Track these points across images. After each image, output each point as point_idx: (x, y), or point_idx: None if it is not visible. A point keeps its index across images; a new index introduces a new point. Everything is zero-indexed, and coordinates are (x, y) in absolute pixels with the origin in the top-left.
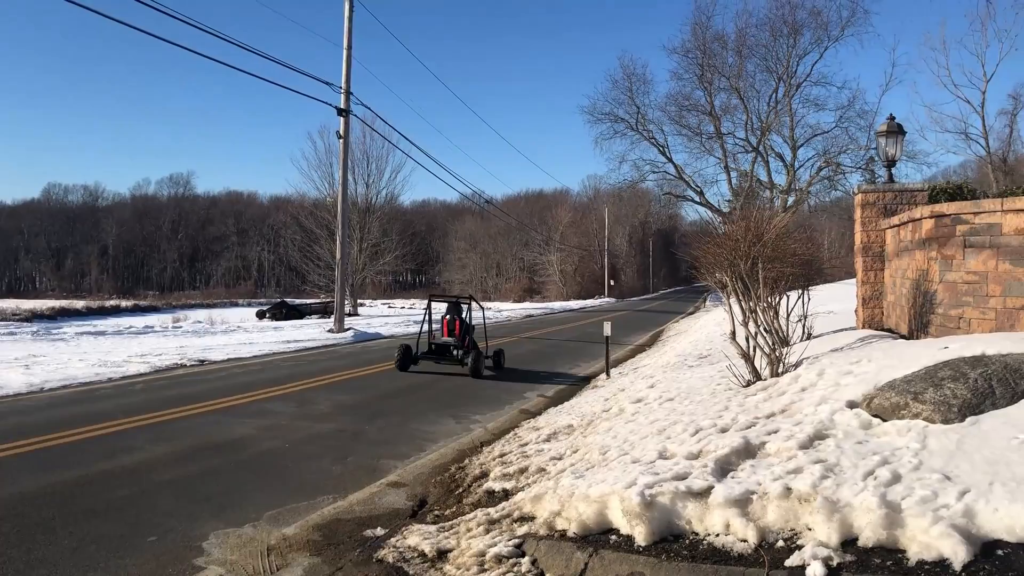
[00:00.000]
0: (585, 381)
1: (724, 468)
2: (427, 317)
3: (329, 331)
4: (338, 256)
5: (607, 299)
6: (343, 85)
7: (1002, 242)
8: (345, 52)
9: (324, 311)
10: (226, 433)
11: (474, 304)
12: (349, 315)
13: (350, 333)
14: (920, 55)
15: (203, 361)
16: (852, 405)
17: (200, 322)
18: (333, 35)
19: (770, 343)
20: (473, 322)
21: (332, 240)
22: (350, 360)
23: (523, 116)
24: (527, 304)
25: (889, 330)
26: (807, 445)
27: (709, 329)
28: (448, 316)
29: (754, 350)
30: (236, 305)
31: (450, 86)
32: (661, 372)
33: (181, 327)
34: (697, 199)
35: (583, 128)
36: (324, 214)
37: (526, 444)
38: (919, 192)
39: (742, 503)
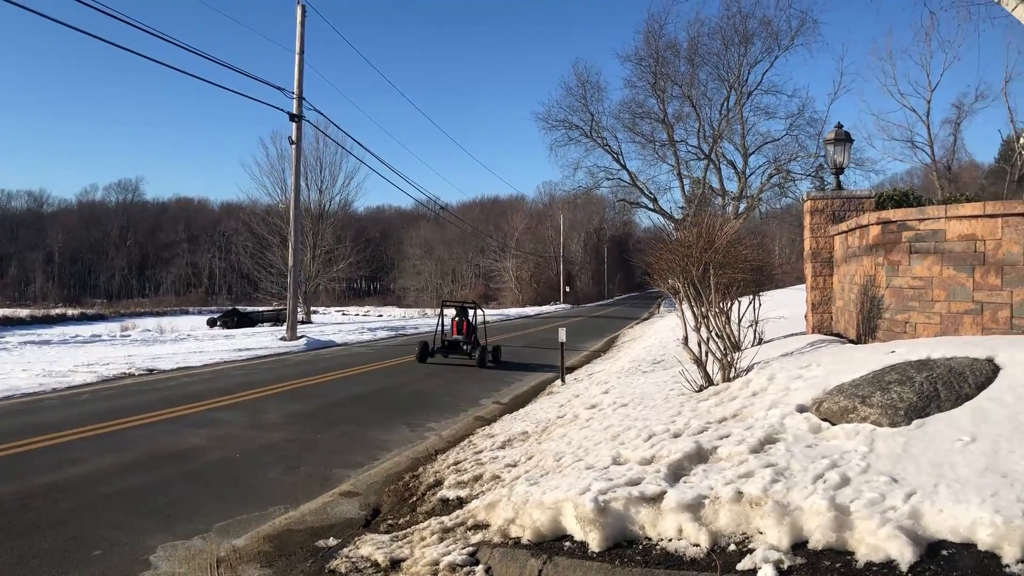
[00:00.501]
0: (541, 387)
1: (677, 473)
2: (440, 319)
3: (282, 339)
4: (290, 263)
5: (563, 305)
6: (295, 90)
7: (946, 248)
8: (297, 57)
9: (276, 319)
10: (175, 443)
11: (478, 310)
12: (302, 323)
13: (303, 341)
14: (867, 64)
15: (152, 370)
16: (802, 409)
17: (149, 331)
18: (287, 40)
19: (722, 348)
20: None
21: (285, 247)
22: (303, 368)
23: (479, 123)
24: (486, 311)
25: (838, 335)
26: (758, 449)
27: (663, 335)
28: (457, 318)
29: (706, 355)
30: (187, 313)
31: (406, 95)
32: (615, 378)
33: (130, 336)
34: (651, 206)
35: (538, 135)
36: (276, 220)
37: (481, 451)
38: (866, 199)
39: (694, 508)
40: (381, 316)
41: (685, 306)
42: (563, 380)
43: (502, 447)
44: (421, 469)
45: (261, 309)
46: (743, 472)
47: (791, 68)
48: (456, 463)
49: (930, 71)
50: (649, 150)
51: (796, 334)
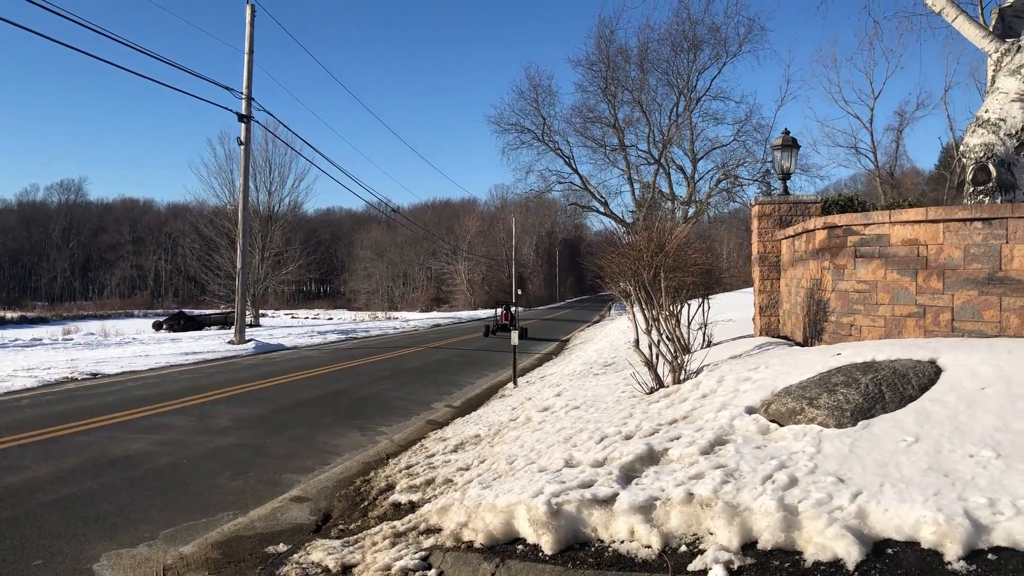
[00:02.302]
0: (493, 390)
1: (629, 475)
2: (495, 312)
3: (230, 343)
4: (239, 265)
5: (515, 308)
6: (244, 91)
7: (890, 252)
8: (247, 57)
9: (224, 322)
10: (120, 449)
11: (515, 307)
12: (250, 326)
13: (251, 345)
14: (813, 72)
15: (96, 375)
16: (751, 411)
17: (93, 334)
18: (236, 40)
19: (672, 351)
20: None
21: (232, 249)
22: (251, 373)
23: (432, 126)
24: (434, 313)
25: (785, 337)
26: (708, 451)
27: (613, 337)
28: (503, 310)
29: (657, 358)
30: (131, 316)
31: (357, 97)
32: (568, 380)
33: (72, 339)
34: (602, 210)
35: (490, 138)
36: (224, 222)
37: (433, 455)
38: (812, 204)
39: (646, 509)
40: (331, 319)
41: (636, 309)
42: (515, 383)
43: (454, 451)
44: (372, 473)
45: (208, 312)
46: (694, 473)
47: (739, 75)
48: (408, 467)
49: (873, 79)
50: (600, 154)
51: (744, 336)
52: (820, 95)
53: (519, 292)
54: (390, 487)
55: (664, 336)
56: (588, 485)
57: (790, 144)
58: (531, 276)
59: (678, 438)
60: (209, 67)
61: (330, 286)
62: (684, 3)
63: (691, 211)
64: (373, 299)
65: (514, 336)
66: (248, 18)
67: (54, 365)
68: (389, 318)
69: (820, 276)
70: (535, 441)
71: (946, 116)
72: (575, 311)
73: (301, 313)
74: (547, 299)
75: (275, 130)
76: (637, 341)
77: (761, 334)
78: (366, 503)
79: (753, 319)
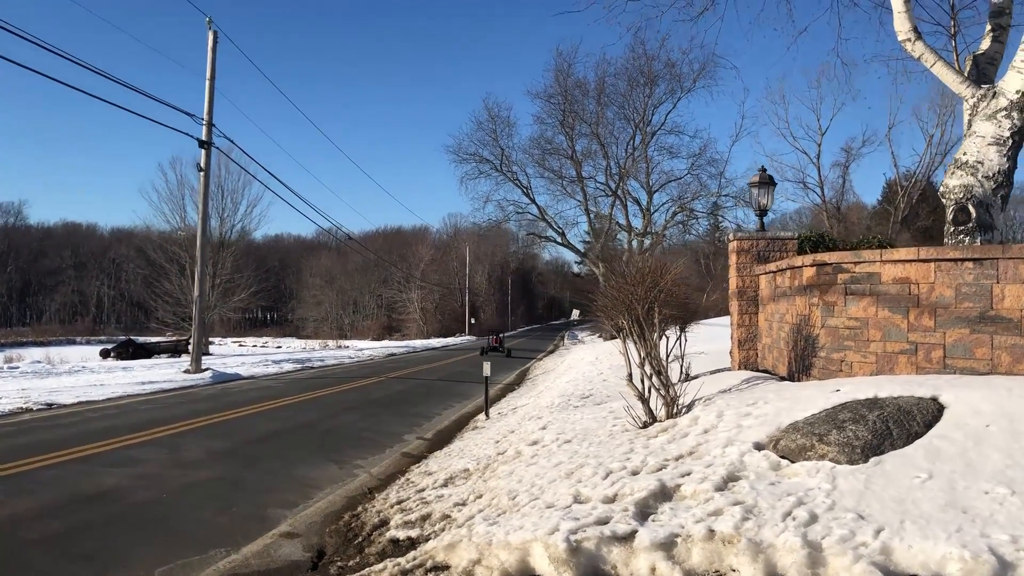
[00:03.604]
0: (463, 422)
1: (644, 511)
2: (487, 338)
3: (185, 372)
4: (196, 293)
5: (468, 337)
6: (205, 116)
7: (881, 290)
8: (208, 83)
9: (175, 350)
10: (94, 484)
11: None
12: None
13: (208, 374)
14: (762, 108)
15: (51, 405)
16: (759, 447)
17: (39, 361)
18: (191, 62)
19: (665, 385)
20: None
21: (182, 275)
22: (213, 403)
23: (383, 156)
24: (387, 342)
25: (766, 371)
26: (722, 487)
27: (582, 368)
28: (495, 336)
29: (649, 391)
30: (74, 343)
31: (308, 126)
32: (548, 413)
33: (19, 367)
34: (559, 240)
35: (445, 168)
36: (174, 248)
37: (423, 490)
38: (790, 240)
39: (667, 546)
40: (280, 347)
41: (629, 344)
42: (487, 415)
43: (445, 485)
44: (360, 508)
45: (157, 340)
46: (712, 510)
47: (693, 109)
48: (399, 502)
49: (820, 116)
50: (557, 185)
51: (723, 370)
52: (769, 131)
53: (472, 321)
54: (384, 523)
55: (656, 370)
56: (604, 522)
57: (767, 181)
58: (483, 305)
59: (689, 474)
60: (159, 89)
61: (277, 313)
62: (639, 39)
63: (647, 242)
64: (322, 327)
65: (486, 367)
66: (210, 44)
67: (4, 395)
68: (340, 347)
69: (808, 312)
70: (533, 476)
71: (890, 153)
72: (529, 340)
73: (249, 341)
74: (499, 328)
75: (229, 153)
76: (631, 375)
77: (740, 368)
78: (360, 539)
79: (730, 352)
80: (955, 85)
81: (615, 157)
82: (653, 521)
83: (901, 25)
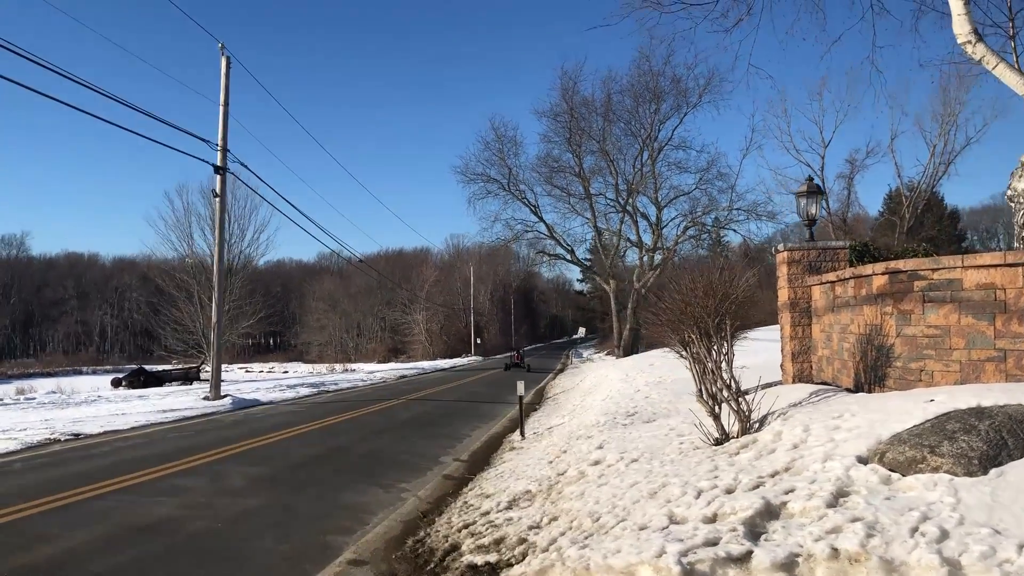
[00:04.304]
0: (495, 442)
1: (754, 531)
2: (509, 355)
3: (205, 398)
4: (214, 319)
5: (474, 357)
6: (220, 142)
7: (964, 296)
8: (222, 108)
9: (186, 377)
10: (146, 514)
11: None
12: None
13: (228, 400)
14: (765, 122)
15: (78, 435)
16: (863, 460)
17: (54, 392)
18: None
19: (736, 400)
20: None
21: (191, 303)
22: (241, 430)
23: (381, 175)
24: (394, 364)
25: (825, 383)
26: (833, 503)
27: (614, 386)
28: (516, 353)
29: (719, 407)
30: (80, 373)
31: (304, 147)
32: (598, 432)
33: (35, 398)
34: (568, 257)
35: (446, 188)
36: (182, 276)
37: (488, 513)
38: (841, 250)
39: (788, 567)
40: (287, 372)
41: (695, 358)
42: (523, 435)
43: (509, 507)
44: (423, 533)
45: (169, 368)
46: (830, 527)
47: (700, 124)
48: (466, 526)
49: (823, 128)
50: (565, 203)
51: (774, 384)
52: (773, 144)
53: (478, 341)
54: (455, 547)
55: (727, 384)
56: (714, 543)
57: (815, 191)
58: (487, 324)
59: (792, 491)
60: (170, 116)
61: (281, 339)
62: (644, 55)
63: (657, 258)
64: (326, 351)
65: (520, 387)
66: (223, 69)
67: (29, 426)
68: (347, 370)
69: (880, 321)
70: (611, 497)
71: (893, 163)
72: (534, 359)
73: (255, 367)
74: (503, 347)
75: (238, 175)
76: (701, 391)
77: (794, 381)
78: (433, 565)
79: (781, 365)
80: (1018, 86)
81: (623, 173)
82: (766, 540)
83: (961, 28)
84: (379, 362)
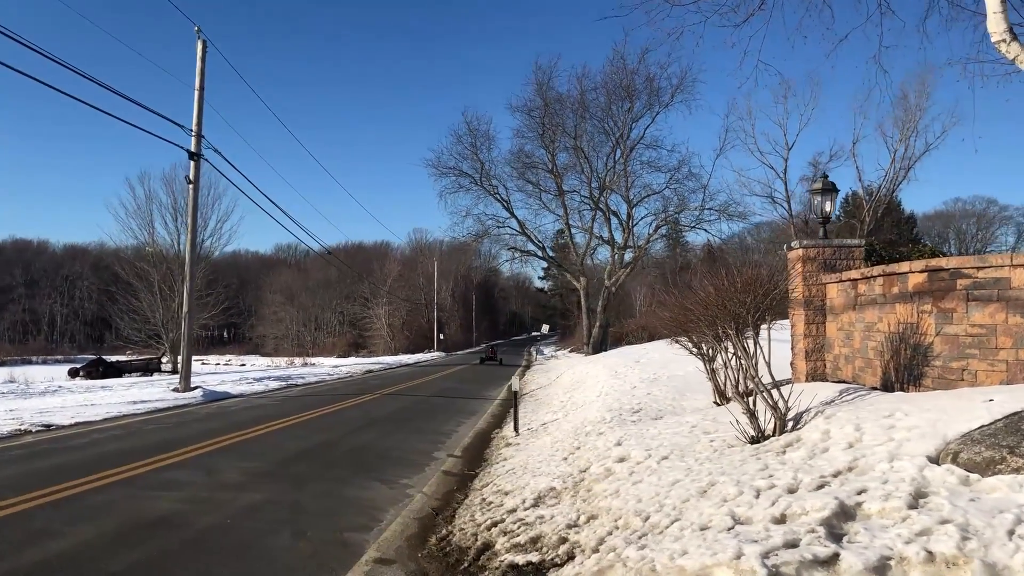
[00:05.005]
0: (484, 437)
1: (834, 532)
2: (485, 349)
3: (175, 390)
4: (185, 308)
5: (437, 353)
6: (194, 128)
7: (1011, 295)
8: (197, 93)
9: (146, 368)
10: (149, 509)
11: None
12: (173, 372)
13: (199, 392)
14: (729, 124)
15: (49, 426)
16: (934, 460)
17: (12, 382)
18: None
19: (773, 397)
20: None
21: (151, 292)
22: (220, 423)
23: (343, 170)
24: (355, 359)
25: (842, 381)
26: (914, 505)
27: (605, 383)
28: (491, 348)
29: (754, 404)
30: (30, 363)
31: (265, 133)
32: (609, 429)
33: None
34: (540, 254)
35: (412, 183)
36: (142, 264)
37: (514, 510)
38: (856, 248)
39: (880, 570)
40: (244, 365)
41: (730, 353)
42: (517, 431)
43: (535, 505)
44: (445, 531)
45: (129, 358)
46: (918, 530)
47: (673, 124)
48: (494, 524)
49: (787, 131)
50: (536, 199)
51: (784, 382)
52: (738, 146)
53: (440, 337)
54: (487, 546)
55: (758, 381)
56: (794, 544)
57: (830, 188)
58: (448, 320)
59: (865, 491)
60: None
61: (236, 331)
62: (619, 53)
63: (628, 255)
64: (283, 344)
65: (515, 382)
66: (199, 54)
67: None
68: (307, 364)
69: (916, 320)
70: (654, 495)
71: (855, 167)
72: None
73: (212, 359)
74: (464, 343)
75: (211, 162)
76: (738, 386)
77: (808, 379)
78: (467, 564)
79: (792, 363)
80: None
81: (596, 171)
82: (850, 543)
83: (996, 26)
84: (339, 356)
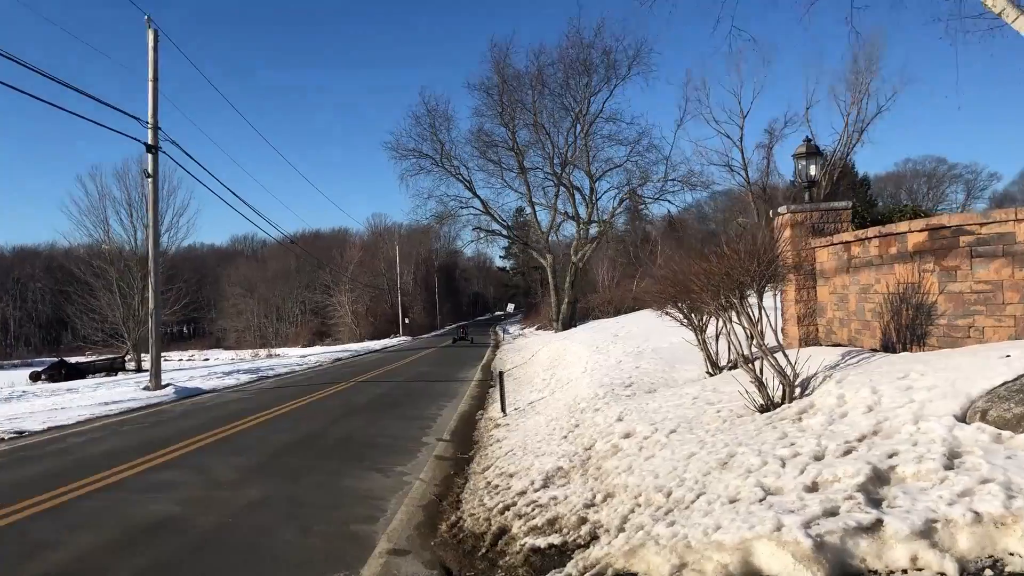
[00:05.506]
0: (470, 420)
1: (872, 498)
2: (456, 330)
3: (145, 388)
4: (151, 305)
5: (404, 338)
6: (150, 119)
7: (1017, 250)
8: (151, 84)
9: (110, 368)
10: (147, 512)
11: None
12: (138, 371)
13: (171, 390)
14: (685, 94)
15: (22, 432)
16: (961, 420)
17: None
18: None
19: (780, 364)
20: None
21: (109, 291)
22: (198, 420)
23: (300, 156)
24: (320, 348)
25: (838, 344)
26: (950, 466)
27: (588, 358)
28: (462, 328)
29: (761, 372)
30: None
31: (218, 118)
32: (605, 404)
33: None
34: (505, 233)
35: (370, 167)
36: (100, 263)
37: (524, 492)
38: (844, 211)
39: (926, 533)
40: (208, 360)
41: (735, 323)
42: (504, 412)
43: (545, 486)
44: (454, 517)
45: (92, 359)
46: (959, 491)
47: (631, 97)
48: (507, 507)
49: (741, 99)
50: (498, 178)
51: (774, 348)
52: (694, 115)
53: (406, 321)
54: (503, 530)
55: (764, 349)
56: (834, 513)
57: (814, 152)
58: (412, 304)
59: (895, 454)
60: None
61: (196, 326)
62: (575, 27)
63: (593, 230)
64: (245, 337)
65: (496, 363)
66: (151, 43)
67: None
68: (271, 355)
69: (917, 279)
70: (670, 469)
71: (808, 132)
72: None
73: (174, 355)
74: (428, 327)
75: (168, 154)
76: (745, 357)
77: (801, 345)
78: (485, 550)
79: (782, 329)
80: None
81: (557, 147)
82: (891, 508)
83: None
84: (304, 346)
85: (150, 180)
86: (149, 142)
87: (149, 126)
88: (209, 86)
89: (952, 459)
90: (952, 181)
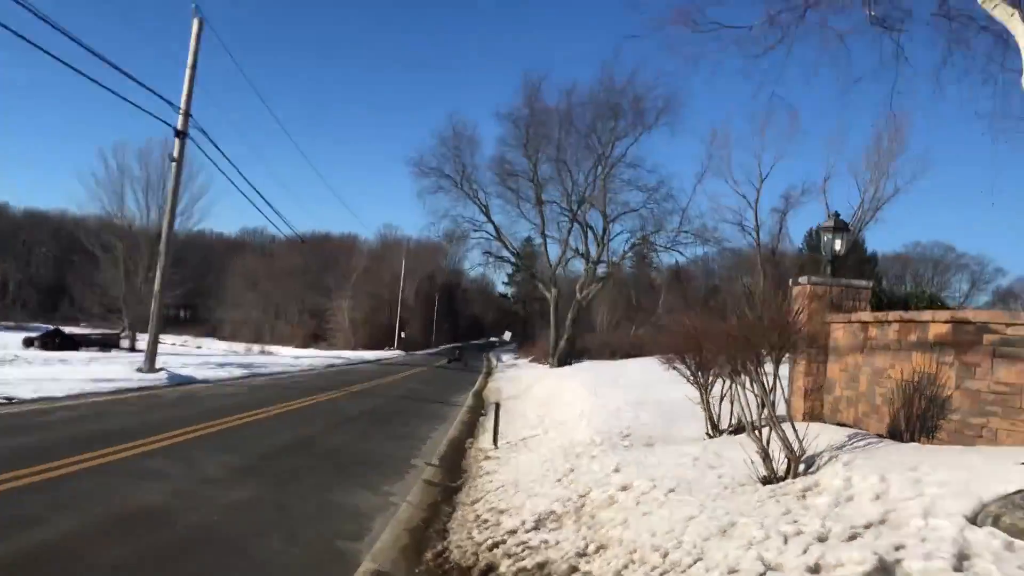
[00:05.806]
0: (459, 446)
1: None
2: (451, 351)
3: (138, 370)
4: (156, 287)
5: (398, 351)
6: (183, 106)
7: None
8: (188, 71)
9: (104, 343)
10: (133, 500)
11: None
12: (132, 350)
13: (164, 375)
14: (707, 150)
15: (11, 399)
16: (972, 522)
17: None
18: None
19: (787, 437)
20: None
21: (114, 266)
22: (191, 410)
23: (313, 157)
24: (315, 351)
25: (842, 424)
26: (959, 567)
27: (588, 400)
28: (457, 350)
29: (768, 443)
30: None
31: (244, 117)
32: (601, 452)
33: None
34: (514, 260)
35: (387, 178)
36: (110, 236)
37: (515, 531)
38: (864, 290)
39: None
40: (200, 348)
41: (747, 389)
42: (496, 445)
43: (536, 528)
44: (440, 547)
45: (87, 332)
46: None
47: (655, 145)
48: (496, 545)
49: (761, 162)
50: (515, 206)
51: (780, 419)
52: (713, 172)
53: (402, 335)
54: (491, 567)
55: (773, 420)
56: None
57: (841, 227)
58: (410, 319)
59: (902, 547)
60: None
61: (195, 312)
62: (608, 72)
63: (601, 270)
64: (241, 329)
65: (490, 392)
66: (194, 32)
67: None
68: (264, 352)
69: (935, 370)
70: (668, 530)
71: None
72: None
73: (167, 339)
74: (423, 344)
75: (196, 141)
76: (752, 425)
77: (805, 419)
78: None
79: (789, 401)
80: None
81: (576, 183)
82: None
83: None
84: (297, 347)
85: (174, 164)
86: (179, 127)
87: (181, 112)
88: (234, 70)
89: (961, 560)
90: (958, 270)
